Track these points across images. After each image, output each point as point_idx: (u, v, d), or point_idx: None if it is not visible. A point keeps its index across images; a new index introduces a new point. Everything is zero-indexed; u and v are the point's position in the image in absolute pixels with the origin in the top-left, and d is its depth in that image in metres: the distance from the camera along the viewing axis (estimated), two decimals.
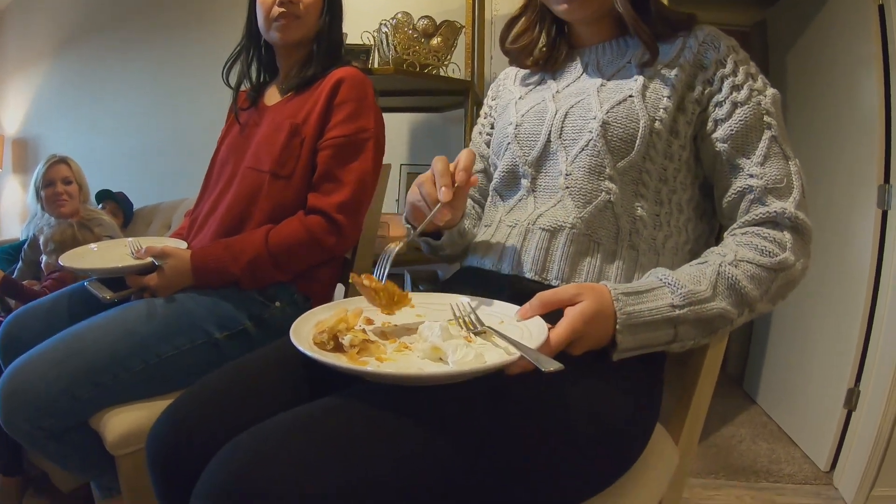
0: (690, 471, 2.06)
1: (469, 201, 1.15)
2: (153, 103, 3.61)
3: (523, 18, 1.06)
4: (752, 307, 0.80)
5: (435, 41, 1.89)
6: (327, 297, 1.35)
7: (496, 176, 1.04)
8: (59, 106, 4.21)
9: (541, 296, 0.73)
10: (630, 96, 0.89)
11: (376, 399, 0.64)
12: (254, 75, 1.44)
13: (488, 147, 1.13)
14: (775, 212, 0.83)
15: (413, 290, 1.18)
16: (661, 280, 0.78)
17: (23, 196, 4.47)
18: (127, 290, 1.19)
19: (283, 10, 1.27)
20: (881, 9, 2.03)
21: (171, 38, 3.50)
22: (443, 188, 0.82)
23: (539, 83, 1.05)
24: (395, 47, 1.81)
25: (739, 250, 0.81)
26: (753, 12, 3.54)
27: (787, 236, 0.82)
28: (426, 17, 1.92)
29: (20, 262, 2.54)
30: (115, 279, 1.22)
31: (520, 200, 0.97)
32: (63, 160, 2.50)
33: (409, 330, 0.78)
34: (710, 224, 0.98)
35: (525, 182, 0.97)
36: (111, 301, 1.17)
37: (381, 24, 1.90)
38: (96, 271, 1.23)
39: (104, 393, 1.05)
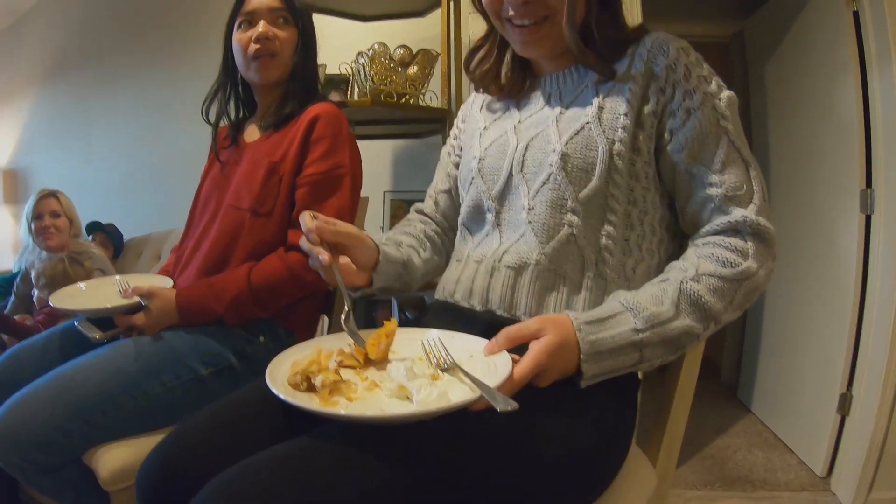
0: (686, 484, 2.09)
1: (419, 226, 1.16)
2: (142, 133, 3.62)
3: (485, 46, 1.06)
4: (717, 319, 0.80)
5: (412, 70, 1.91)
6: (310, 330, 1.38)
7: (463, 210, 1.05)
8: (48, 136, 4.22)
9: (506, 331, 0.76)
10: (587, 123, 0.88)
11: (346, 438, 0.67)
12: (232, 112, 1.47)
13: (457, 168, 1.14)
14: (736, 220, 0.82)
15: (400, 316, 1.20)
16: (622, 304, 0.78)
17: (14, 227, 4.47)
18: (115, 330, 1.21)
19: (258, 46, 1.30)
20: (856, 14, 2.06)
21: (158, 68, 3.53)
22: (319, 256, 0.82)
23: (503, 112, 1.06)
24: (372, 78, 1.83)
25: (701, 263, 0.81)
26: (731, 24, 3.56)
27: (749, 244, 0.82)
28: (403, 46, 1.94)
29: (13, 296, 2.56)
30: (103, 318, 1.25)
31: (486, 235, 0.99)
32: (52, 193, 2.52)
33: (380, 365, 0.81)
34: (682, 243, 0.96)
35: (490, 216, 0.98)
36: (100, 341, 1.19)
37: (358, 55, 1.92)
38: (85, 312, 1.26)
39: (96, 430, 1.07)
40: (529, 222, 0.91)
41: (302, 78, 1.37)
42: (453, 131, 1.21)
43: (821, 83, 2.37)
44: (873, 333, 1.96)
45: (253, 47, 1.31)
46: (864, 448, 1.92)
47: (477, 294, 0.94)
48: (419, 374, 0.72)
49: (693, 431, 2.56)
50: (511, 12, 0.91)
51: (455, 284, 0.99)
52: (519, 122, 1.00)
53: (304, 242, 0.85)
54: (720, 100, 0.86)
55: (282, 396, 0.68)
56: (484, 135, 1.05)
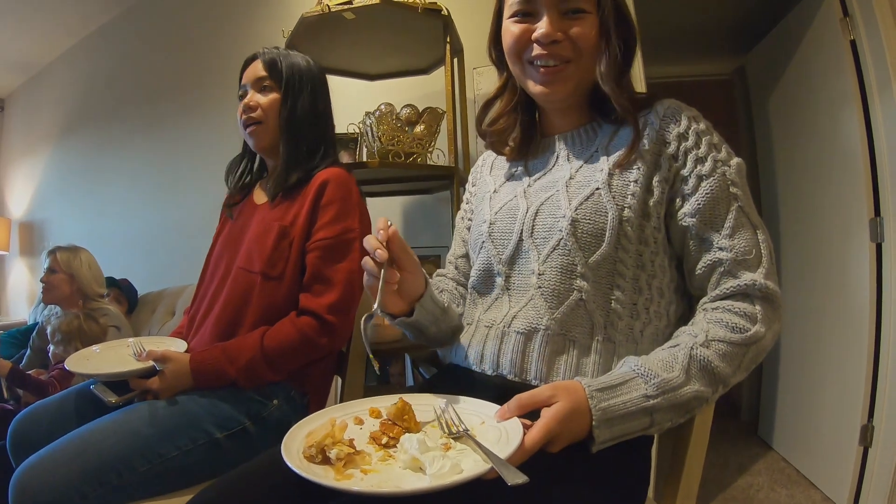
0: None
1: (451, 283, 1.19)
2: (154, 190, 3.68)
3: (500, 101, 1.09)
4: (725, 383, 0.81)
5: (418, 129, 1.95)
6: (324, 392, 1.39)
7: (473, 273, 1.06)
8: (63, 191, 4.30)
9: (518, 398, 0.76)
10: (597, 189, 0.90)
11: None
12: (246, 175, 1.54)
13: (467, 231, 1.16)
14: (746, 284, 0.84)
15: (414, 373, 1.19)
16: (633, 370, 0.79)
17: (29, 278, 4.54)
18: (131, 394, 1.23)
19: (245, 116, 1.39)
20: (853, 44, 2.11)
21: (170, 126, 3.60)
22: (376, 251, 0.85)
23: (513, 173, 1.08)
24: (380, 139, 1.87)
25: (711, 329, 0.83)
26: (731, 60, 3.64)
27: (757, 308, 0.83)
28: (409, 105, 1.99)
29: (28, 350, 2.58)
30: (119, 381, 1.26)
31: (496, 299, 1.00)
32: (51, 251, 2.51)
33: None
34: (691, 303, 0.98)
35: (499, 280, 0.99)
36: (116, 404, 1.21)
37: (365, 115, 1.96)
38: (100, 376, 1.27)
39: (111, 492, 1.08)
40: (539, 287, 0.92)
41: (294, 137, 1.39)
42: (465, 195, 1.23)
43: (824, 114, 2.40)
44: (891, 362, 1.95)
45: (242, 117, 1.40)
46: (888, 479, 1.90)
47: (488, 359, 0.95)
48: (431, 447, 0.74)
49: (715, 472, 2.53)
50: (535, 52, 0.93)
51: (468, 348, 1.01)
52: (529, 185, 1.02)
53: (367, 240, 0.88)
54: (730, 167, 0.89)
55: (298, 472, 0.69)
56: (494, 198, 1.07)
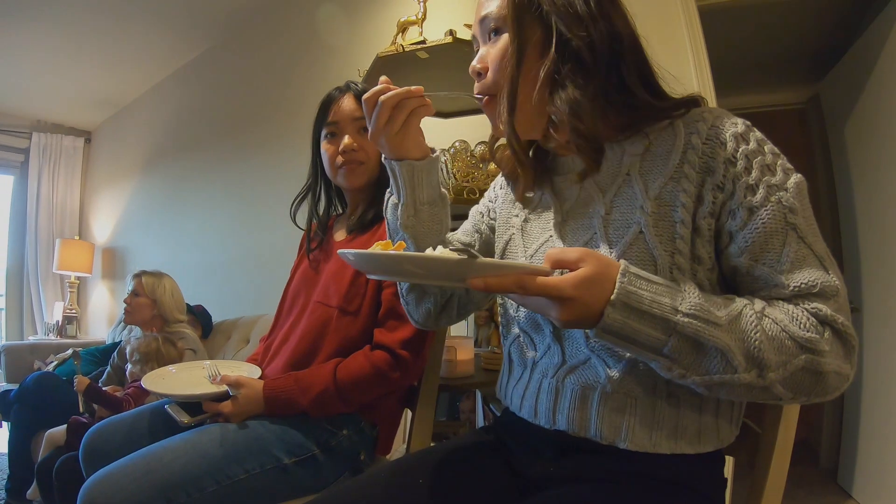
0: None
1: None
2: (230, 222, 3.80)
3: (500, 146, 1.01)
4: (762, 372, 0.67)
5: (492, 166, 1.91)
6: (394, 424, 1.39)
7: (521, 314, 0.94)
8: (144, 220, 4.51)
9: (548, 251, 0.69)
10: (640, 232, 0.78)
11: None
12: (321, 211, 1.54)
13: (491, 231, 1.07)
14: (809, 309, 0.70)
15: (484, 408, 1.15)
16: (680, 285, 0.70)
17: (110, 300, 4.76)
18: (203, 415, 1.26)
19: (344, 158, 1.38)
20: None
21: (250, 161, 3.72)
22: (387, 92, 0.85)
23: (540, 200, 0.96)
24: (454, 175, 1.88)
25: (769, 308, 0.70)
26: (805, 89, 3.56)
27: (826, 332, 0.69)
28: (483, 142, 1.98)
29: (108, 367, 2.68)
30: (192, 402, 1.30)
31: (548, 348, 0.89)
32: (136, 275, 2.62)
33: None
34: None
35: (547, 330, 0.88)
36: (188, 425, 1.24)
37: (440, 152, 1.96)
38: (175, 396, 1.31)
39: None
40: (591, 342, 0.82)
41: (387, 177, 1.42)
42: (489, 194, 1.13)
43: None
44: None
45: (340, 159, 1.39)
46: None
47: (542, 414, 0.87)
48: None
49: None
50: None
51: (521, 397, 0.92)
52: (563, 220, 0.90)
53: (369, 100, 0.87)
54: (787, 190, 0.74)
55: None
56: (526, 232, 0.96)
